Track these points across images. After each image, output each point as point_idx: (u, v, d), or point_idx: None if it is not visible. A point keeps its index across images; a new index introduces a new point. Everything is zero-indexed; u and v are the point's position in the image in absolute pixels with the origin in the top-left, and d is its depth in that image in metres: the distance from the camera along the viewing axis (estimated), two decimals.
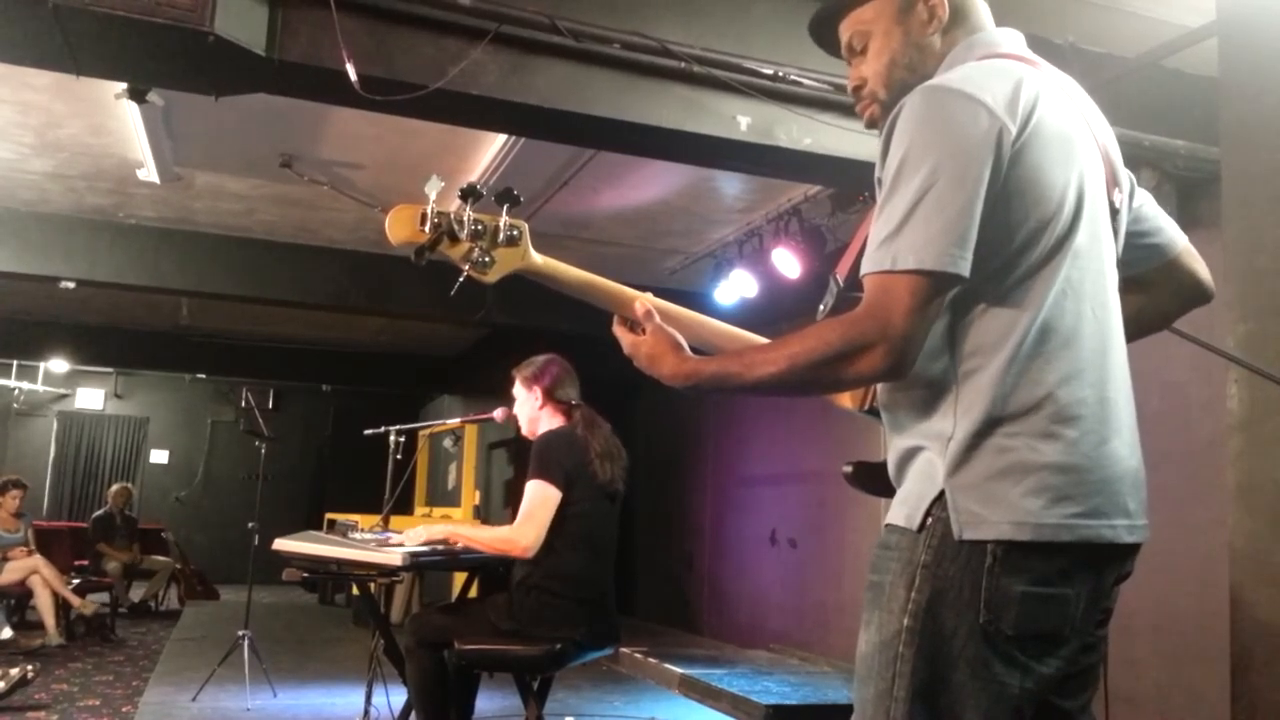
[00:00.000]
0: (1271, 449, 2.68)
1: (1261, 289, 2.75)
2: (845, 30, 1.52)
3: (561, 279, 1.57)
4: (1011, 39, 1.46)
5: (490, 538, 3.34)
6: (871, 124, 1.49)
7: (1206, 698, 3.94)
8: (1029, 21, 1.49)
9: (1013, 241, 1.28)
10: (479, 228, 1.51)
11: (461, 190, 1.52)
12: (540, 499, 3.19)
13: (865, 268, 1.26)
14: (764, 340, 1.50)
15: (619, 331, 1.54)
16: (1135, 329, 1.50)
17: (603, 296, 1.57)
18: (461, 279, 1.55)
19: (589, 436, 3.33)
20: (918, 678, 1.24)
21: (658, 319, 1.51)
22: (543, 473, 3.21)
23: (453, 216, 1.50)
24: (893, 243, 1.23)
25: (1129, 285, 1.49)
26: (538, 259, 1.56)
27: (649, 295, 1.56)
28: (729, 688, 3.46)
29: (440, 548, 3.36)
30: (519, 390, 3.48)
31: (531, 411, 3.45)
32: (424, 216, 1.49)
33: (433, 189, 1.50)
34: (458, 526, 3.58)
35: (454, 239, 1.50)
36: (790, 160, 3.80)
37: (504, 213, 1.54)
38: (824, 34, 1.57)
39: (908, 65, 1.45)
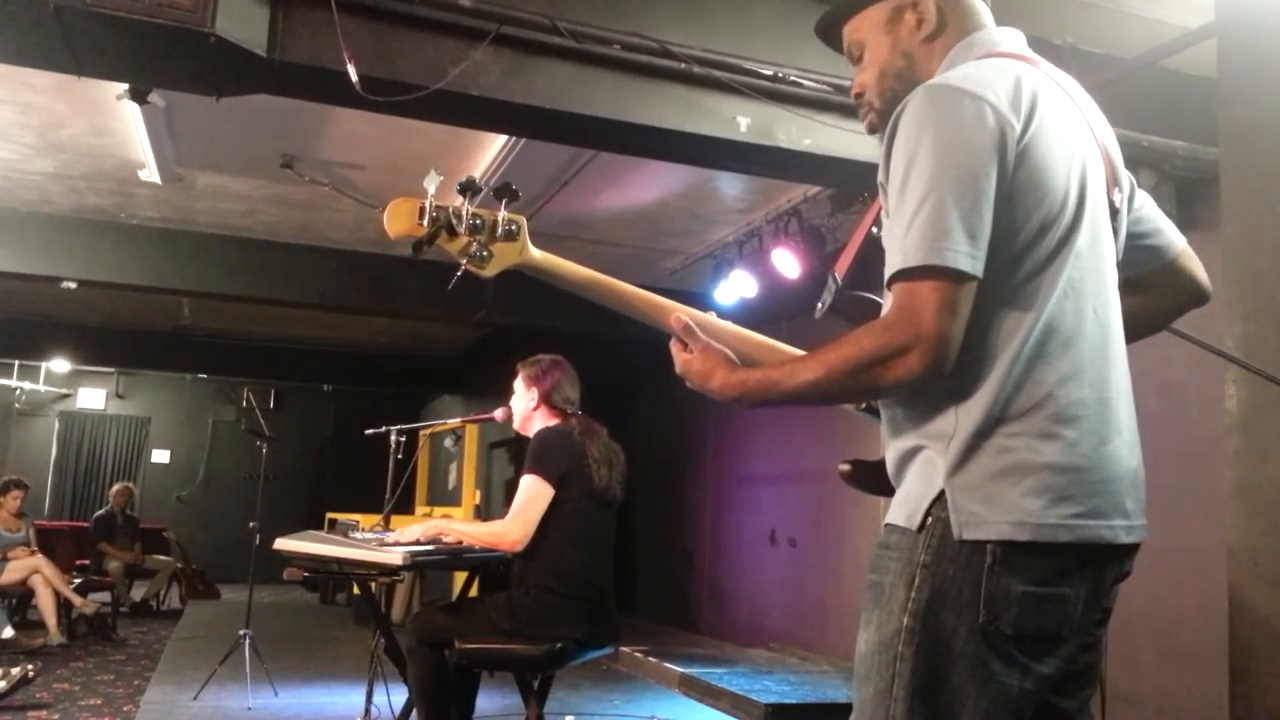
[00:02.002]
0: (1269, 449, 2.69)
1: (1260, 289, 2.76)
2: (845, 37, 1.54)
3: (560, 274, 1.57)
4: (1011, 38, 1.46)
5: (481, 532, 3.37)
6: (871, 130, 1.50)
7: (1205, 697, 3.95)
8: (1028, 22, 1.50)
9: (1016, 241, 1.29)
10: (477, 222, 1.51)
11: (460, 185, 1.52)
12: (532, 494, 3.20)
13: (888, 274, 1.27)
14: (797, 352, 1.49)
15: (675, 349, 1.51)
16: (1133, 330, 1.51)
17: (602, 292, 1.57)
18: (459, 273, 1.55)
19: (586, 441, 3.33)
20: (917, 677, 1.25)
21: (700, 333, 1.49)
22: (537, 468, 3.22)
23: (451, 211, 1.50)
24: (908, 246, 1.24)
25: (1127, 286, 1.49)
26: (536, 254, 1.56)
27: (684, 307, 1.53)
28: (729, 687, 3.47)
29: (439, 546, 3.37)
30: (519, 385, 3.50)
31: (525, 410, 3.47)
32: (422, 210, 1.49)
33: (431, 183, 1.50)
34: (451, 523, 3.58)
35: (452, 233, 1.50)
36: (790, 161, 3.80)
37: (503, 207, 1.53)
38: (831, 39, 1.58)
39: (896, 74, 1.47)
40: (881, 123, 1.44)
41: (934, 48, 1.45)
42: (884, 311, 1.33)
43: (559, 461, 3.24)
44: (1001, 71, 1.33)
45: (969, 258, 1.22)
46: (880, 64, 1.48)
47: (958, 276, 1.22)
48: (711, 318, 1.54)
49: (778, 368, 1.38)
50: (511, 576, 3.30)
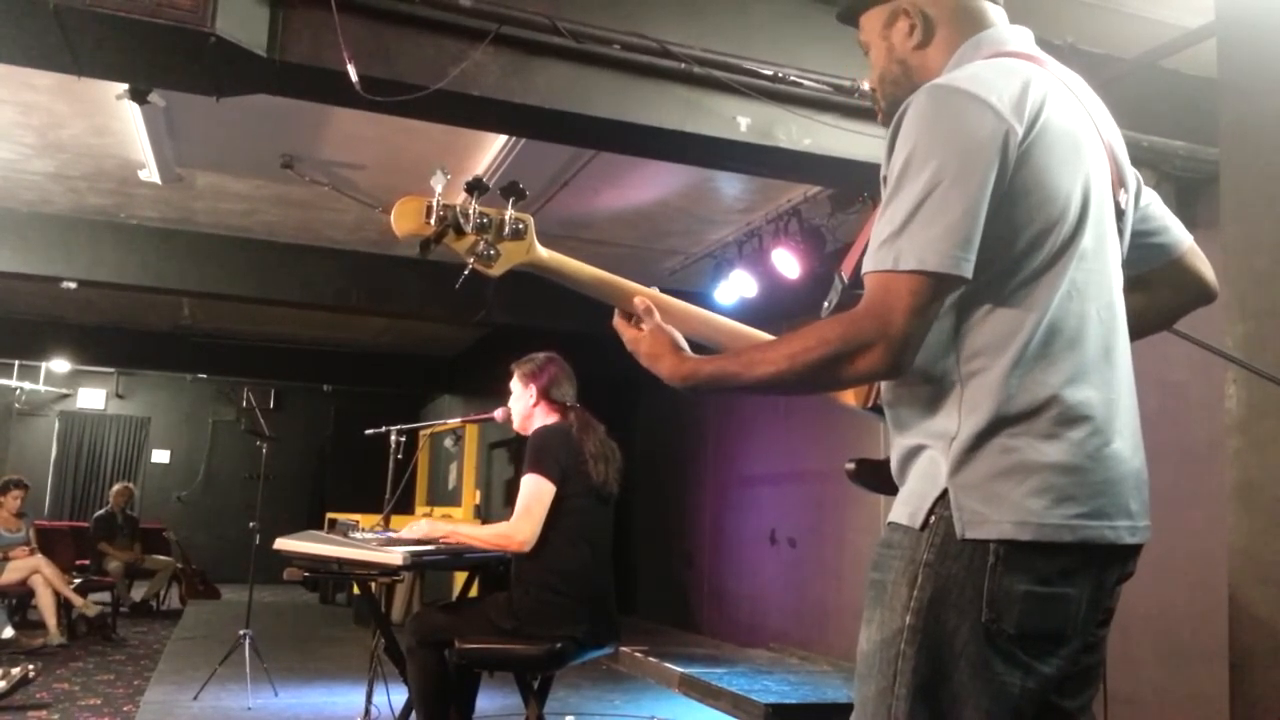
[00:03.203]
0: (1269, 449, 2.69)
1: (1260, 289, 2.76)
2: (859, 32, 1.56)
3: (567, 273, 1.57)
4: (1020, 37, 1.46)
5: (488, 534, 3.36)
6: (885, 125, 1.52)
7: (1205, 697, 3.95)
8: (1028, 21, 1.49)
9: (1018, 243, 1.29)
10: (484, 221, 1.51)
11: (467, 183, 1.52)
12: (536, 493, 3.20)
13: (867, 266, 1.26)
14: (766, 337, 1.50)
15: (619, 326, 1.53)
16: (1139, 328, 1.50)
17: (609, 291, 1.57)
18: (466, 272, 1.54)
19: (583, 437, 3.34)
20: (919, 676, 1.25)
21: (657, 316, 1.50)
22: (538, 467, 3.23)
23: (458, 209, 1.50)
24: (895, 242, 1.23)
25: (1133, 284, 1.49)
26: (543, 253, 1.56)
27: (653, 290, 1.56)
28: (729, 687, 3.47)
29: (440, 546, 3.37)
30: (515, 385, 3.50)
31: (525, 409, 3.47)
32: (429, 209, 1.49)
33: (438, 182, 1.50)
34: (457, 526, 3.58)
35: (459, 232, 1.50)
36: (790, 160, 3.80)
37: (509, 206, 1.54)
38: (853, 25, 1.60)
39: (893, 80, 1.49)
40: (888, 120, 1.44)
41: (927, 55, 1.46)
42: None
43: (558, 458, 3.25)
44: (1008, 72, 1.33)
45: (954, 261, 1.22)
46: (880, 68, 1.51)
47: (940, 279, 1.22)
48: (676, 302, 1.55)
49: (734, 359, 1.38)
50: (511, 576, 3.30)
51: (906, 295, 1.22)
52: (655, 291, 1.56)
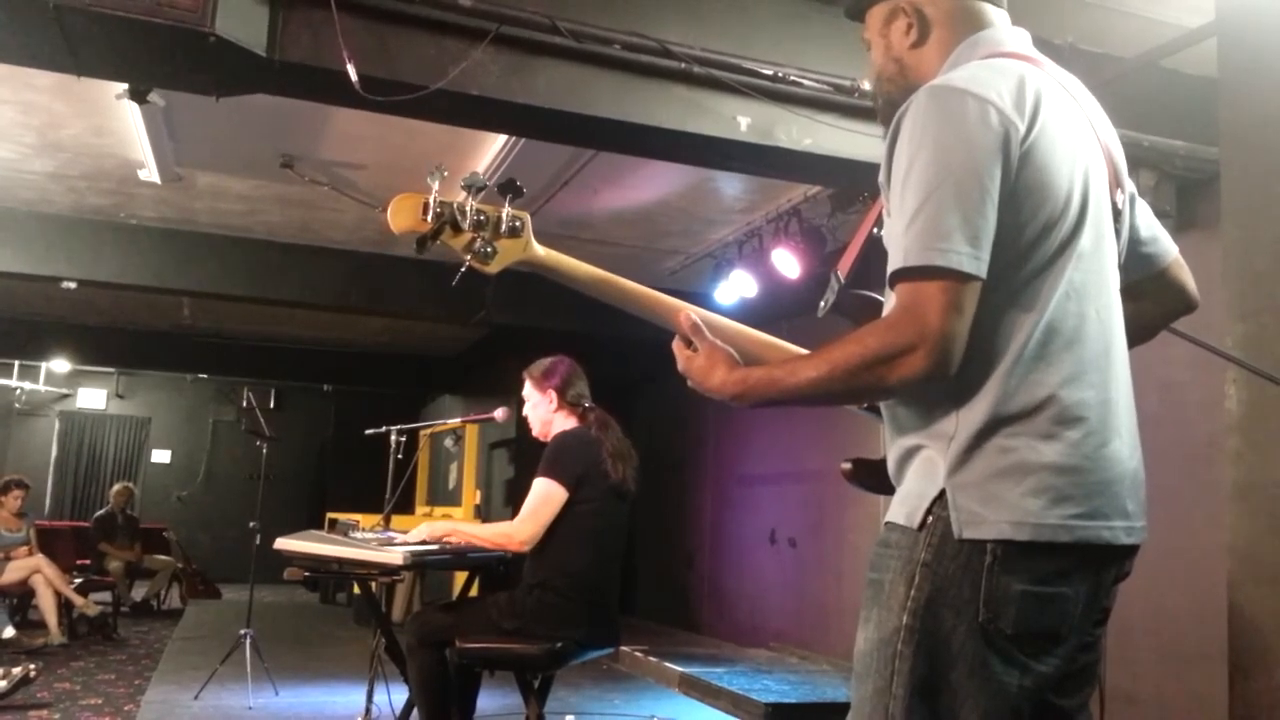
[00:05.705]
0: (1269, 449, 2.69)
1: (1260, 289, 2.76)
2: (863, 31, 1.57)
3: (564, 271, 1.57)
4: (1017, 37, 1.46)
5: (490, 533, 3.37)
6: (884, 124, 1.52)
7: (1205, 697, 3.94)
8: (1028, 21, 1.50)
9: (1018, 242, 1.29)
10: (481, 218, 1.51)
11: (464, 181, 1.52)
12: (544, 497, 3.21)
13: (894, 268, 1.26)
14: (802, 352, 1.49)
15: (677, 348, 1.50)
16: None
17: (607, 290, 1.57)
18: (463, 269, 1.55)
19: (602, 438, 3.34)
20: (916, 675, 1.25)
21: (707, 333, 1.48)
22: (551, 471, 3.23)
23: (455, 206, 1.50)
24: (911, 243, 1.24)
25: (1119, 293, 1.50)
26: (540, 250, 1.56)
27: (692, 306, 1.54)
28: (729, 686, 3.47)
29: (442, 545, 3.37)
30: (531, 392, 3.48)
31: (545, 414, 3.46)
32: (426, 206, 1.49)
33: (435, 179, 1.51)
34: (458, 524, 3.59)
35: (456, 229, 1.50)
36: (790, 160, 3.80)
37: (506, 204, 1.54)
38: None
39: (889, 79, 1.50)
40: (886, 119, 1.44)
41: (923, 54, 1.46)
42: (886, 310, 1.32)
43: (574, 466, 3.25)
44: (1004, 72, 1.33)
45: (971, 259, 1.22)
46: (877, 67, 1.52)
47: (961, 277, 1.22)
48: (718, 317, 1.54)
49: (780, 365, 1.37)
50: (523, 576, 3.31)
51: (936, 294, 1.22)
52: (700, 309, 1.53)
